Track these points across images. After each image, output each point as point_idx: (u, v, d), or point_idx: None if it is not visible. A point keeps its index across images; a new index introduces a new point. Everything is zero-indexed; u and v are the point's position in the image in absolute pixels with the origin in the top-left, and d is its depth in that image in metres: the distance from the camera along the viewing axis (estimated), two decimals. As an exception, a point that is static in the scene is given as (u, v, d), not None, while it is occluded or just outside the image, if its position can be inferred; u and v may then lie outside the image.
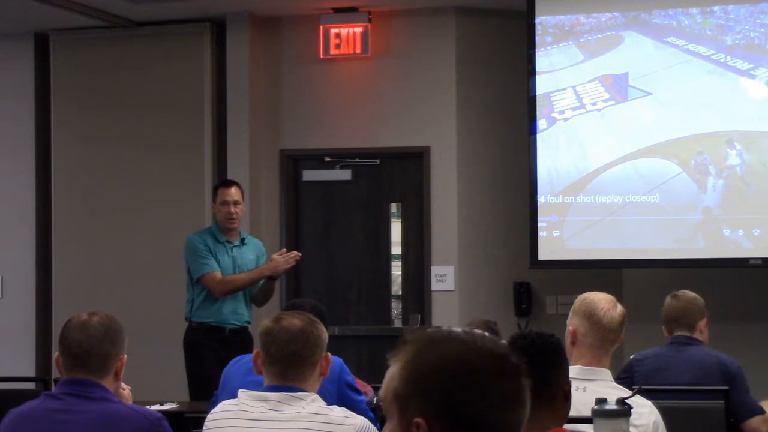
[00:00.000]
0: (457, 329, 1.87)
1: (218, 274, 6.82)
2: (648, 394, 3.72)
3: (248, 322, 6.95)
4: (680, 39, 7.32)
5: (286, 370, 3.37)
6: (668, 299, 5.34)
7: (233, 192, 6.93)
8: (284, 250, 7.01)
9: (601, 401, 3.12)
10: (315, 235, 8.16)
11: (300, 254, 6.97)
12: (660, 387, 4.79)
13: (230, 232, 6.94)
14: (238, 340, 6.78)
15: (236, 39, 8.02)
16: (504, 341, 1.90)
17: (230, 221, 6.89)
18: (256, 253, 7.00)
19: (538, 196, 7.46)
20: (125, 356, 3.37)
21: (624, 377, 5.10)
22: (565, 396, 3.02)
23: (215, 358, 6.68)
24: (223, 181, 7.27)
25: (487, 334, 1.86)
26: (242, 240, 6.99)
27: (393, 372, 1.83)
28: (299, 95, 8.12)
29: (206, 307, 6.86)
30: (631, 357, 5.32)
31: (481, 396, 1.78)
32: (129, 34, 8.23)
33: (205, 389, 6.65)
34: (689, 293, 5.35)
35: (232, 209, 6.89)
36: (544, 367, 3.01)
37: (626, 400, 3.12)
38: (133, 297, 7.98)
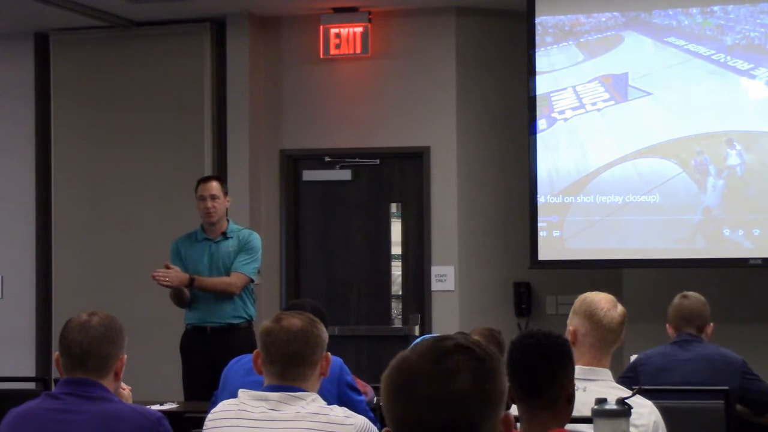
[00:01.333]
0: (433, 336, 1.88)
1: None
2: (649, 394, 3.72)
3: (241, 318, 6.78)
4: (680, 39, 7.32)
5: (286, 370, 3.37)
6: (678, 299, 5.31)
7: (209, 186, 6.82)
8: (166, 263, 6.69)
9: (601, 401, 3.12)
10: (315, 234, 8.16)
11: (158, 272, 6.57)
12: (660, 387, 4.78)
13: (212, 228, 6.83)
14: (222, 340, 6.65)
15: (236, 39, 8.02)
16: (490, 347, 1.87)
17: (207, 215, 6.79)
18: (238, 246, 6.82)
19: (538, 196, 7.46)
20: (125, 356, 3.37)
21: (629, 376, 5.10)
22: (567, 399, 3.01)
23: (201, 359, 6.66)
24: (202, 177, 7.15)
25: (429, 341, 1.84)
26: (224, 234, 6.84)
27: None
28: (299, 95, 8.11)
29: (190, 308, 6.85)
30: (636, 356, 5.31)
31: (408, 397, 1.78)
32: (129, 34, 8.23)
33: (194, 390, 6.64)
34: (699, 295, 5.34)
35: (209, 204, 6.77)
36: (548, 368, 3.00)
37: (626, 400, 3.12)
38: (133, 297, 7.97)
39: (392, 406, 1.80)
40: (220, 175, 7.55)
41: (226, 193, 6.89)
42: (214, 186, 6.83)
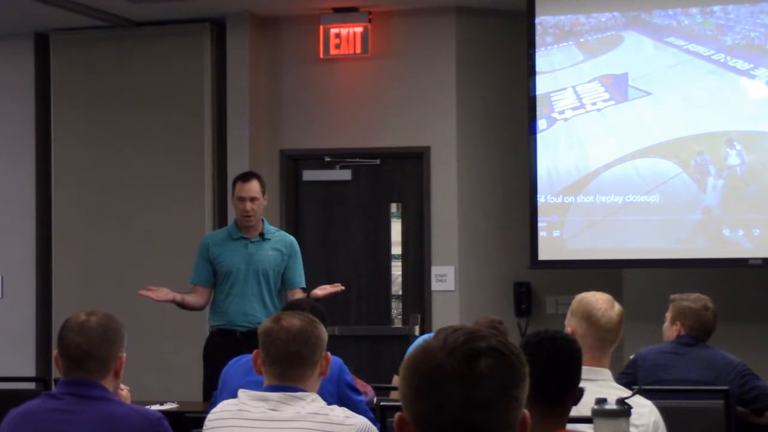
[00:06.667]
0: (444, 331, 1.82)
1: (196, 288, 6.52)
2: (648, 394, 3.72)
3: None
4: (680, 39, 7.33)
5: (286, 370, 3.37)
6: (702, 308, 5.23)
7: (249, 187, 6.42)
8: (327, 287, 6.52)
9: (601, 401, 3.11)
10: (315, 234, 8.16)
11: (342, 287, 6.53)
12: (660, 387, 4.79)
13: (248, 228, 6.49)
14: (252, 344, 6.20)
15: (236, 39, 8.02)
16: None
17: (246, 219, 6.44)
18: (282, 249, 6.52)
19: (538, 196, 7.46)
20: (124, 354, 3.36)
21: (628, 373, 5.11)
22: (575, 401, 3.03)
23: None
24: (241, 174, 6.73)
25: (461, 338, 1.77)
26: (262, 235, 6.51)
27: None
28: (299, 95, 8.11)
29: (215, 309, 6.55)
30: (636, 353, 5.30)
31: (432, 396, 1.74)
32: (129, 34, 8.23)
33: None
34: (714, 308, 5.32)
35: (248, 207, 6.40)
36: (568, 374, 3.00)
37: (626, 400, 3.12)
38: (133, 297, 7.95)
39: (413, 401, 1.76)
40: (258, 173, 7.01)
41: (264, 192, 6.55)
42: (255, 188, 6.45)
